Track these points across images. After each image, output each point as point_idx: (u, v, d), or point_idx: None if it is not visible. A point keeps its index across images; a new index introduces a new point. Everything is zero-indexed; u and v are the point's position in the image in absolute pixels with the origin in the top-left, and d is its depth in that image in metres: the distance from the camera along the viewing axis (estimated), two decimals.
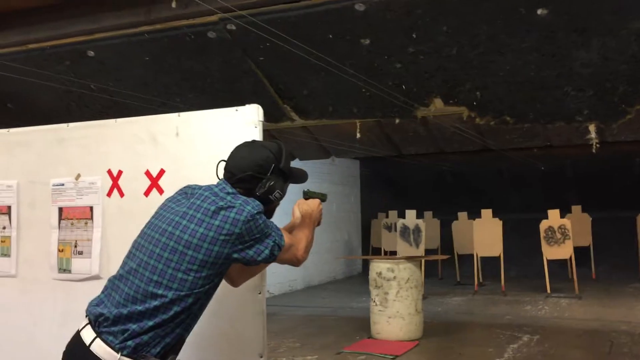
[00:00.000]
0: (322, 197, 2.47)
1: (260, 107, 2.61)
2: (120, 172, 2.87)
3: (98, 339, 1.99)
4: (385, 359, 6.25)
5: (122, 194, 2.85)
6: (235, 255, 2.08)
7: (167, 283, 2.01)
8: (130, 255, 2.13)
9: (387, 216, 12.21)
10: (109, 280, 2.13)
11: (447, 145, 8.79)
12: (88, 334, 2.02)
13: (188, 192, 2.19)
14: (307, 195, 2.44)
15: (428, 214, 12.06)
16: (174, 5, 3.94)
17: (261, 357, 2.57)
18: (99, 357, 1.97)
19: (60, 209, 2.97)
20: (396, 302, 6.97)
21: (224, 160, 2.24)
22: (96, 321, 2.02)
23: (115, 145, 2.89)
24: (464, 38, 3.82)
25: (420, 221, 10.28)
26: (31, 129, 3.12)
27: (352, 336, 7.26)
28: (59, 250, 2.95)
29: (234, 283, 2.39)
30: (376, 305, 7.10)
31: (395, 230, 10.82)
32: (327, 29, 3.92)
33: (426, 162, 11.97)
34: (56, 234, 2.96)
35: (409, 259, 7.29)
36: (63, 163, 2.99)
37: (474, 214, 10.85)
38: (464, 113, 4.32)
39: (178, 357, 2.12)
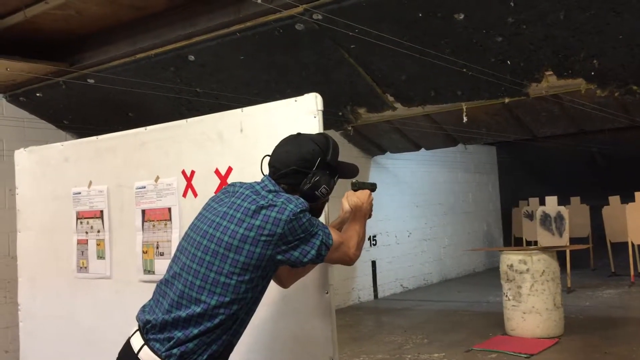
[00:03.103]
0: (372, 187, 2.26)
1: (319, 96, 2.45)
2: (193, 172, 2.86)
3: (146, 347, 1.95)
4: (518, 358, 5.80)
5: (195, 194, 2.84)
6: (279, 257, 1.95)
7: (210, 288, 1.92)
8: (174, 259, 2.07)
9: (528, 204, 11.43)
10: (157, 286, 2.08)
11: (587, 123, 8.06)
12: (137, 341, 1.99)
13: (230, 191, 2.09)
14: (356, 186, 2.25)
15: (575, 200, 11.10)
16: (259, 0, 3.89)
17: None
18: None
19: (143, 211, 3.02)
20: (531, 297, 6.44)
21: (269, 155, 2.11)
22: (144, 328, 1.99)
23: (188, 146, 2.89)
24: (571, 0, 3.38)
25: (562, 208, 9.47)
26: (116, 135, 3.22)
27: (485, 333, 6.84)
28: (143, 252, 3.00)
29: (283, 284, 2.26)
30: (509, 300, 6.62)
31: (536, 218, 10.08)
32: (416, 6, 3.66)
33: (570, 143, 11.06)
34: (140, 236, 3.02)
35: (544, 249, 6.71)
36: (144, 166, 3.05)
37: (628, 198, 9.81)
38: (581, 86, 3.83)
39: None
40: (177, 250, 2.09)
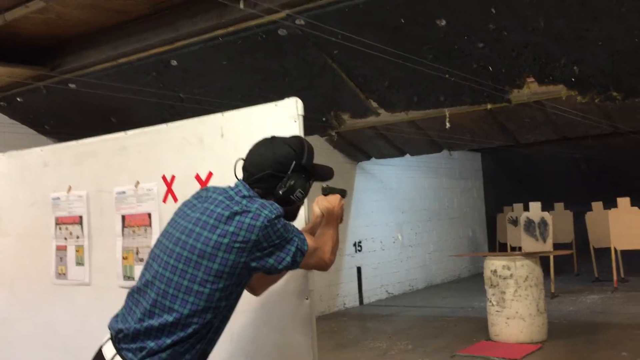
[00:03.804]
0: (342, 193, 2.24)
1: (299, 100, 2.44)
2: (173, 177, 2.83)
3: (117, 356, 1.91)
4: None
5: (175, 199, 2.81)
6: (254, 264, 1.91)
7: (183, 296, 1.88)
8: (147, 266, 2.01)
9: (512, 210, 11.50)
10: (129, 294, 2.02)
11: (571, 130, 8.14)
12: (109, 351, 1.94)
13: (203, 196, 2.05)
14: (326, 191, 2.23)
15: (559, 206, 11.18)
16: (241, 5, 3.88)
17: None
18: None
19: (123, 217, 2.99)
20: (514, 302, 6.47)
21: (243, 159, 2.08)
22: (116, 337, 1.95)
23: (168, 150, 2.86)
24: (551, 7, 3.40)
25: (545, 214, 9.53)
26: (97, 139, 3.18)
27: (469, 338, 6.85)
28: (123, 258, 2.97)
29: (255, 292, 2.23)
30: (493, 305, 6.64)
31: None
32: (398, 12, 3.67)
33: (555, 149, 11.15)
34: (120, 242, 2.99)
35: (527, 255, 6.75)
36: (124, 171, 3.01)
37: (611, 204, 9.89)
38: (562, 92, 3.86)
39: None
40: (150, 257, 2.03)
